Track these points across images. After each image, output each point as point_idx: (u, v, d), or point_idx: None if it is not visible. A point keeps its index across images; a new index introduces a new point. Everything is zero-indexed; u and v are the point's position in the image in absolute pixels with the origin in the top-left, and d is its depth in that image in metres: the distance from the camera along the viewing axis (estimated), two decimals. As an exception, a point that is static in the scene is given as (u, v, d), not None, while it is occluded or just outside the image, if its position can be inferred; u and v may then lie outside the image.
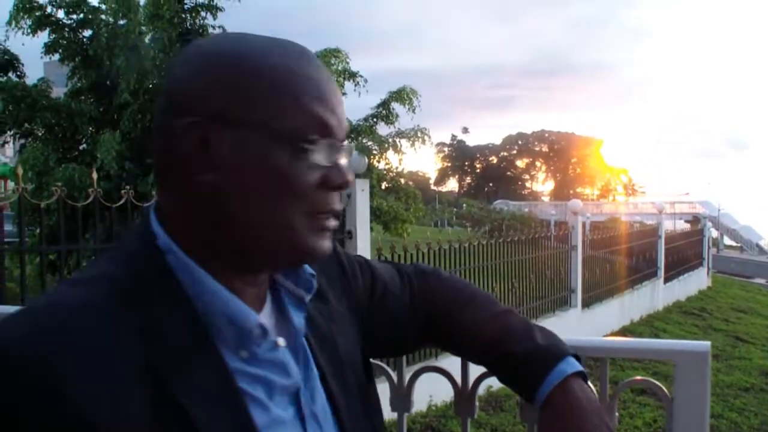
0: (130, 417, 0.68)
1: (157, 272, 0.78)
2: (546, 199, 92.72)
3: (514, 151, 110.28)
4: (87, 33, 11.31)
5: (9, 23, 10.78)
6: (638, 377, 1.40)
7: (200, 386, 0.74)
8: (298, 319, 0.89)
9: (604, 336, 9.32)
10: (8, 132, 11.14)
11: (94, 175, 4.81)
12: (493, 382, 1.13)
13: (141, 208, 4.90)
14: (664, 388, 1.28)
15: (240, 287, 0.82)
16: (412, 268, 1.19)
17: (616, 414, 1.32)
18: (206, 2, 11.52)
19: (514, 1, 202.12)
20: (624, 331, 10.89)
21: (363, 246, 5.83)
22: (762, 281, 25.42)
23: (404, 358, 1.40)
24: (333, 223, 0.84)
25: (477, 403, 1.37)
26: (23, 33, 10.87)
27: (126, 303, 0.73)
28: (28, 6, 10.69)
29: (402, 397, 1.42)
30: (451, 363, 1.33)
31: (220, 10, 11.52)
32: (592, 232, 12.13)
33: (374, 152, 13.87)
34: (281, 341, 0.86)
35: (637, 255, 12.97)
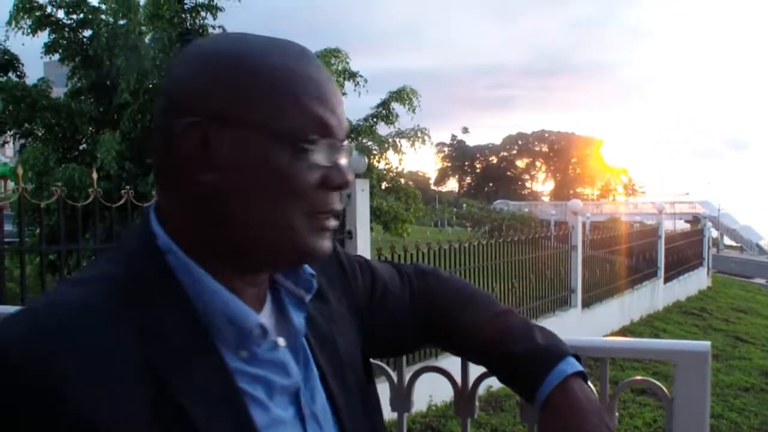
0: (130, 417, 0.68)
1: (156, 272, 0.78)
2: (546, 199, 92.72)
3: (514, 151, 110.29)
4: (87, 33, 11.31)
5: (9, 23, 10.79)
6: (638, 377, 1.40)
7: (200, 386, 0.74)
8: (298, 319, 0.89)
9: (604, 336, 9.32)
10: (8, 132, 11.14)
11: (94, 175, 4.81)
12: (493, 382, 1.13)
13: (140, 208, 4.90)
14: (664, 388, 1.28)
15: (240, 287, 0.82)
16: (412, 268, 1.18)
17: (616, 414, 1.32)
18: (206, 2, 11.52)
19: (513, 1, 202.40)
20: (624, 331, 10.89)
21: (363, 246, 5.83)
22: (762, 281, 25.42)
23: (404, 358, 1.40)
24: (333, 223, 0.84)
25: (477, 403, 1.37)
26: (23, 33, 10.87)
27: (126, 303, 0.73)
28: (28, 6, 10.69)
29: (402, 397, 1.42)
30: (451, 363, 1.33)
31: (220, 10, 11.53)
32: (592, 232, 12.13)
33: (374, 152, 13.87)
34: (281, 341, 0.86)
35: (637, 255, 12.97)
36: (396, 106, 14.14)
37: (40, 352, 0.66)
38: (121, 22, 11.06)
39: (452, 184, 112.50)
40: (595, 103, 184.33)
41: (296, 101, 0.79)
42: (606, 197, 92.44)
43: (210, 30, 11.39)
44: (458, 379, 1.38)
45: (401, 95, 14.03)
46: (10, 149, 15.37)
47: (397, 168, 14.91)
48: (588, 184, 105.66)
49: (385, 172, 14.51)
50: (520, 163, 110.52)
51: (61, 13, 11.16)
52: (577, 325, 9.59)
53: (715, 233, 36.23)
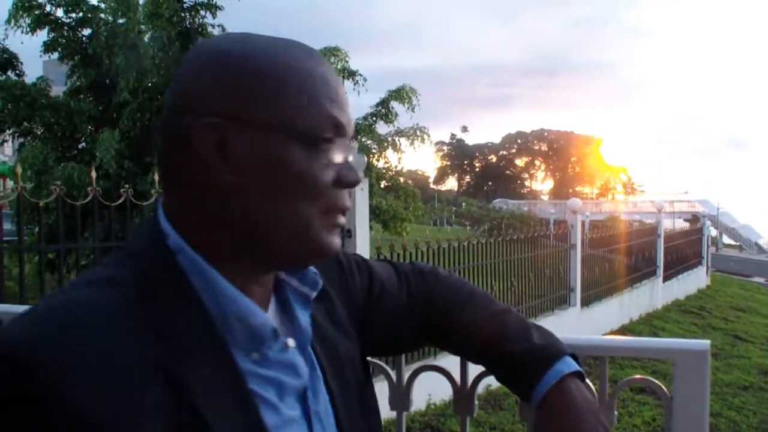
0: (144, 418, 0.67)
1: (168, 272, 0.78)
2: (545, 197, 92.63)
3: (514, 150, 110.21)
4: (86, 32, 11.29)
5: (8, 22, 10.77)
6: (637, 376, 1.40)
7: (213, 388, 0.74)
8: (304, 317, 0.90)
9: (603, 335, 9.33)
10: (7, 131, 11.13)
11: (93, 174, 4.81)
12: (492, 381, 1.13)
13: (141, 207, 4.91)
14: (663, 387, 1.28)
15: (250, 287, 0.83)
16: (410, 267, 1.18)
17: (616, 413, 1.32)
18: (206, 1, 11.47)
19: (513, 1, 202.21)
20: (623, 330, 10.90)
21: (362, 245, 5.83)
22: (761, 280, 25.41)
23: (403, 356, 1.40)
24: (343, 220, 0.85)
25: (476, 402, 1.37)
26: (22, 31, 10.86)
27: (138, 303, 0.73)
28: (27, 4, 10.68)
29: (401, 395, 1.42)
30: (450, 362, 1.33)
31: (220, 8, 11.50)
32: (592, 230, 12.13)
33: (373, 151, 13.87)
34: (291, 342, 0.86)
35: (636, 254, 12.98)
36: (395, 105, 14.12)
37: (54, 353, 0.65)
38: (121, 20, 11.06)
39: (451, 183, 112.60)
40: (594, 103, 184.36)
41: (313, 101, 0.80)
42: (605, 196, 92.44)
43: (209, 29, 11.37)
44: (457, 377, 1.38)
45: (400, 94, 14.01)
46: (9, 148, 15.38)
47: (396, 167, 14.90)
48: (587, 182, 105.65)
49: (384, 170, 14.50)
50: (520, 162, 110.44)
51: (60, 12, 11.15)
52: (576, 324, 9.60)
53: (714, 232, 36.21)
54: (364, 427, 0.96)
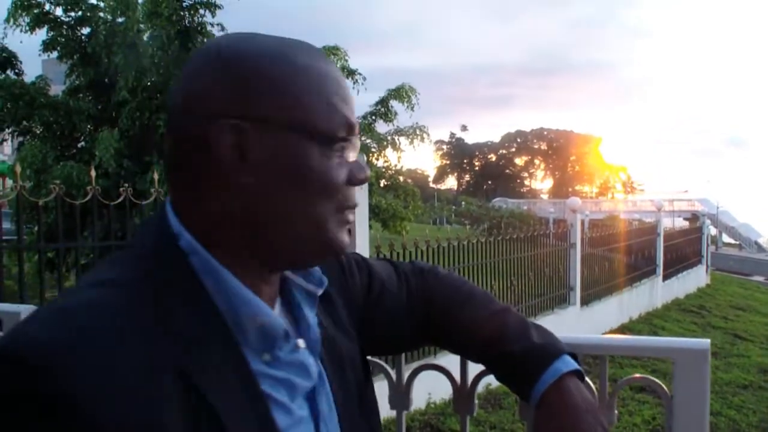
0: (164, 419, 0.67)
1: (181, 274, 0.77)
2: (545, 196, 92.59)
3: (513, 149, 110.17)
4: (85, 30, 11.30)
5: (7, 20, 10.78)
6: (637, 375, 1.40)
7: (227, 390, 0.74)
8: (312, 317, 0.90)
9: (603, 334, 9.33)
10: (6, 130, 11.13)
11: (93, 173, 4.80)
12: (492, 380, 1.13)
13: (140, 206, 4.91)
14: (663, 386, 1.28)
15: (260, 287, 0.83)
16: (410, 266, 1.18)
17: (616, 412, 1.32)
18: (205, 0, 11.49)
19: (513, 1, 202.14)
20: (623, 329, 10.90)
21: (362, 244, 5.83)
22: (760, 279, 25.46)
23: (403, 355, 1.40)
24: (352, 217, 0.86)
25: (476, 401, 1.37)
26: (21, 30, 10.87)
27: (153, 305, 0.72)
28: (26, 3, 10.68)
29: (401, 394, 1.41)
30: (450, 361, 1.33)
31: (219, 7, 11.49)
32: (591, 229, 12.12)
33: (373, 150, 13.87)
34: (301, 343, 0.86)
35: (635, 253, 12.98)
36: (395, 104, 14.14)
37: (72, 356, 0.65)
38: (120, 19, 11.06)
39: (451, 182, 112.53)
40: (594, 103, 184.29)
41: (328, 101, 0.81)
42: (605, 195, 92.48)
43: (209, 28, 11.36)
44: (457, 377, 1.38)
45: (400, 93, 14.02)
46: (8, 147, 15.38)
47: (395, 166, 14.90)
48: (587, 181, 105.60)
49: (383, 169, 14.50)
50: (519, 161, 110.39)
51: (59, 11, 11.16)
52: (575, 323, 9.60)
53: (713, 231, 36.25)
54: (364, 427, 0.96)
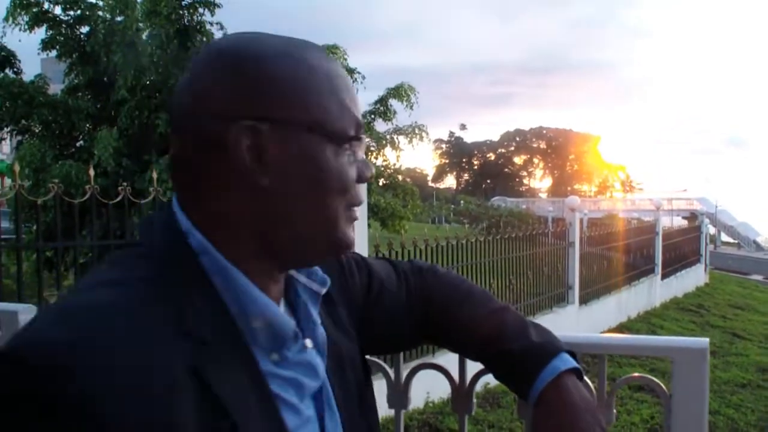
0: (181, 419, 0.66)
1: (192, 273, 0.77)
2: (543, 195, 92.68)
3: (512, 148, 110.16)
4: (84, 29, 11.30)
5: (6, 19, 10.78)
6: (636, 374, 1.40)
7: (238, 389, 0.74)
8: (316, 316, 0.90)
9: (602, 333, 9.34)
10: (5, 129, 11.13)
11: (91, 172, 4.79)
12: (491, 379, 1.13)
13: (139, 205, 4.91)
14: (662, 385, 1.28)
15: (269, 286, 0.83)
16: (409, 265, 1.18)
17: (614, 411, 1.32)
18: (204, -1, 11.49)
19: (513, 0, 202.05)
20: (621, 328, 10.91)
21: (360, 243, 5.82)
22: (759, 278, 25.47)
23: (401, 355, 1.40)
24: (358, 213, 0.87)
25: (474, 400, 1.37)
26: (20, 29, 10.86)
27: (165, 304, 0.72)
28: (25, 2, 10.68)
29: (399, 393, 1.41)
30: (449, 360, 1.33)
31: (218, 6, 11.50)
32: (590, 228, 12.14)
33: (372, 149, 13.87)
34: (309, 342, 0.86)
35: (634, 252, 12.99)
36: (394, 103, 14.13)
37: (89, 355, 0.64)
38: (119, 18, 11.06)
39: (450, 181, 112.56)
40: (593, 102, 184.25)
41: (339, 101, 0.82)
42: (603, 194, 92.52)
43: (208, 26, 11.36)
44: (455, 376, 1.38)
45: (399, 92, 14.02)
46: (6, 146, 15.36)
47: (394, 165, 14.89)
48: (586, 180, 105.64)
49: (382, 168, 14.49)
50: (518, 160, 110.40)
51: (58, 10, 11.16)
52: (574, 322, 9.60)
53: (712, 230, 36.28)
54: (363, 427, 0.96)
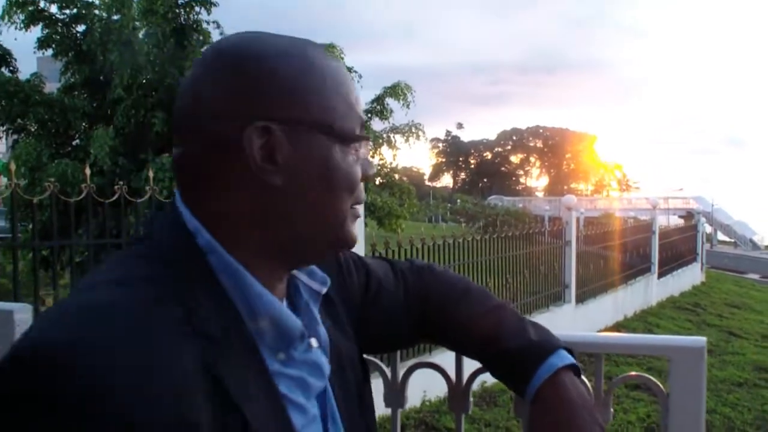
0: (191, 417, 0.66)
1: (200, 272, 0.77)
2: (540, 194, 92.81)
3: (509, 147, 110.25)
4: (80, 28, 11.25)
5: (2, 18, 10.72)
6: (633, 373, 1.40)
7: (249, 389, 0.74)
8: (316, 313, 0.90)
9: (598, 331, 9.35)
10: (1, 127, 11.08)
11: (87, 171, 4.78)
12: (487, 378, 1.13)
13: (135, 204, 4.90)
14: (659, 384, 1.28)
15: (275, 285, 0.83)
16: (407, 264, 1.18)
17: (611, 410, 1.32)
18: (200, -3, 11.45)
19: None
20: (618, 327, 10.93)
21: (357, 242, 5.83)
22: (755, 276, 25.54)
23: (398, 353, 1.40)
24: (360, 211, 0.88)
25: (471, 399, 1.37)
26: (16, 28, 10.80)
27: (174, 304, 0.71)
28: (21, 1, 10.64)
29: (396, 392, 1.41)
30: (445, 359, 1.33)
31: (215, 5, 11.47)
32: (586, 227, 12.14)
33: (369, 148, 13.85)
34: (314, 342, 0.86)
35: (630, 250, 12.99)
36: (390, 102, 14.09)
37: (89, 355, 0.63)
38: (115, 17, 11.01)
39: (446, 180, 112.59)
40: (590, 101, 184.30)
41: (346, 100, 0.84)
42: (600, 193, 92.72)
43: (204, 25, 11.34)
44: (452, 374, 1.38)
45: (395, 91, 14.00)
46: (2, 145, 15.32)
47: (391, 163, 14.88)
48: (582, 179, 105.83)
49: (379, 167, 14.48)
50: (515, 159, 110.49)
51: (54, 8, 11.10)
52: (570, 321, 9.61)
53: (708, 229, 36.32)
54: (362, 427, 0.96)
